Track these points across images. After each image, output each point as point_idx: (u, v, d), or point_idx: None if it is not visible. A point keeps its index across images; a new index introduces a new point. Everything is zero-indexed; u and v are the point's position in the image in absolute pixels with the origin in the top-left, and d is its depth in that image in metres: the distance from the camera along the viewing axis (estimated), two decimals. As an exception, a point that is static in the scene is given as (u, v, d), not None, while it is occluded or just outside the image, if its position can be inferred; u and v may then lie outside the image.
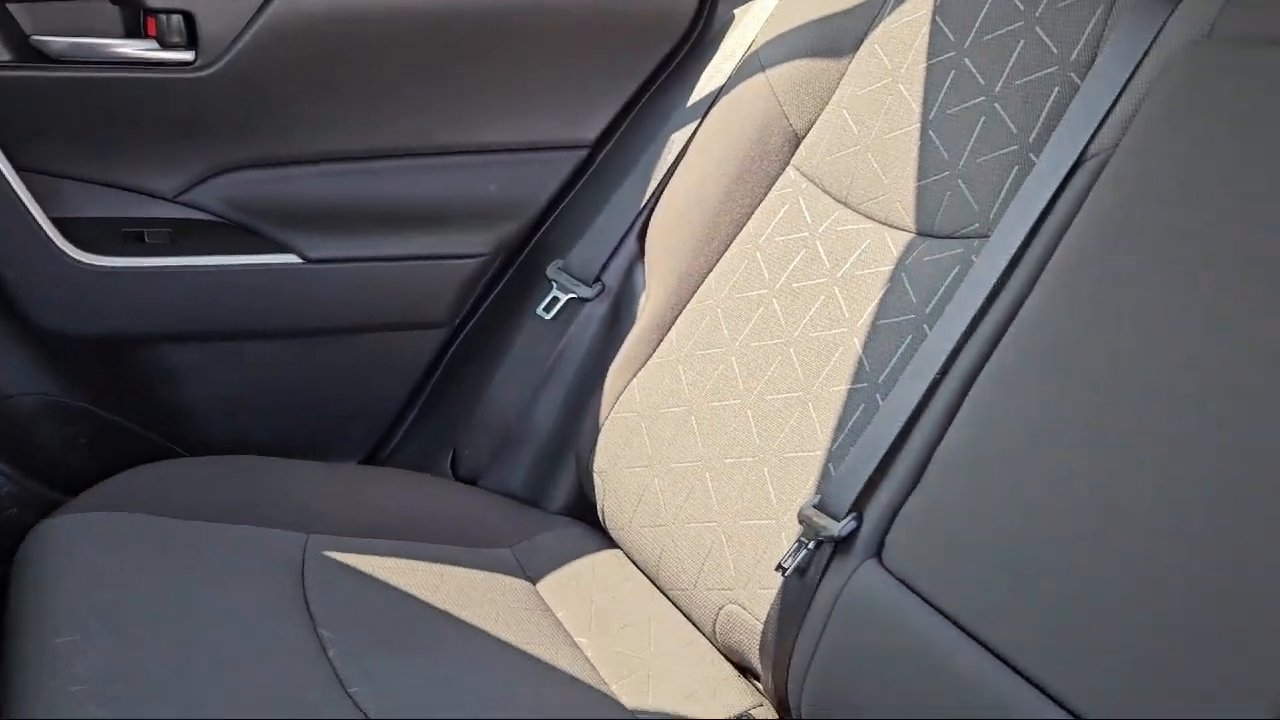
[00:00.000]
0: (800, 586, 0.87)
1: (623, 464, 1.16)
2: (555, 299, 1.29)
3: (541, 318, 1.30)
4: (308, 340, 1.28)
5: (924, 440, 0.83)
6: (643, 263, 1.27)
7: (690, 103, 1.33)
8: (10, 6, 1.10)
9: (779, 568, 0.89)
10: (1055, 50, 0.96)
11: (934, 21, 1.09)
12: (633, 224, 1.30)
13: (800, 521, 0.89)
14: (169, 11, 1.14)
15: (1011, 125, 0.98)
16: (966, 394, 0.82)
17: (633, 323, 1.24)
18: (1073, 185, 0.84)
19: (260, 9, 1.16)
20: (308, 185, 1.26)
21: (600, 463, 1.19)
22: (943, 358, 0.85)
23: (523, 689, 0.93)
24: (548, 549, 1.19)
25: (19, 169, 1.10)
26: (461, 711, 0.86)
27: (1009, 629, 0.70)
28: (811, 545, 0.87)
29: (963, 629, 0.73)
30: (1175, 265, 0.72)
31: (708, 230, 1.21)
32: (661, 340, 1.21)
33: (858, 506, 0.85)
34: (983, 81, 1.02)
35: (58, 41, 1.12)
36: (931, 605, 0.76)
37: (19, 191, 1.10)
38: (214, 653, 0.83)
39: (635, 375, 1.21)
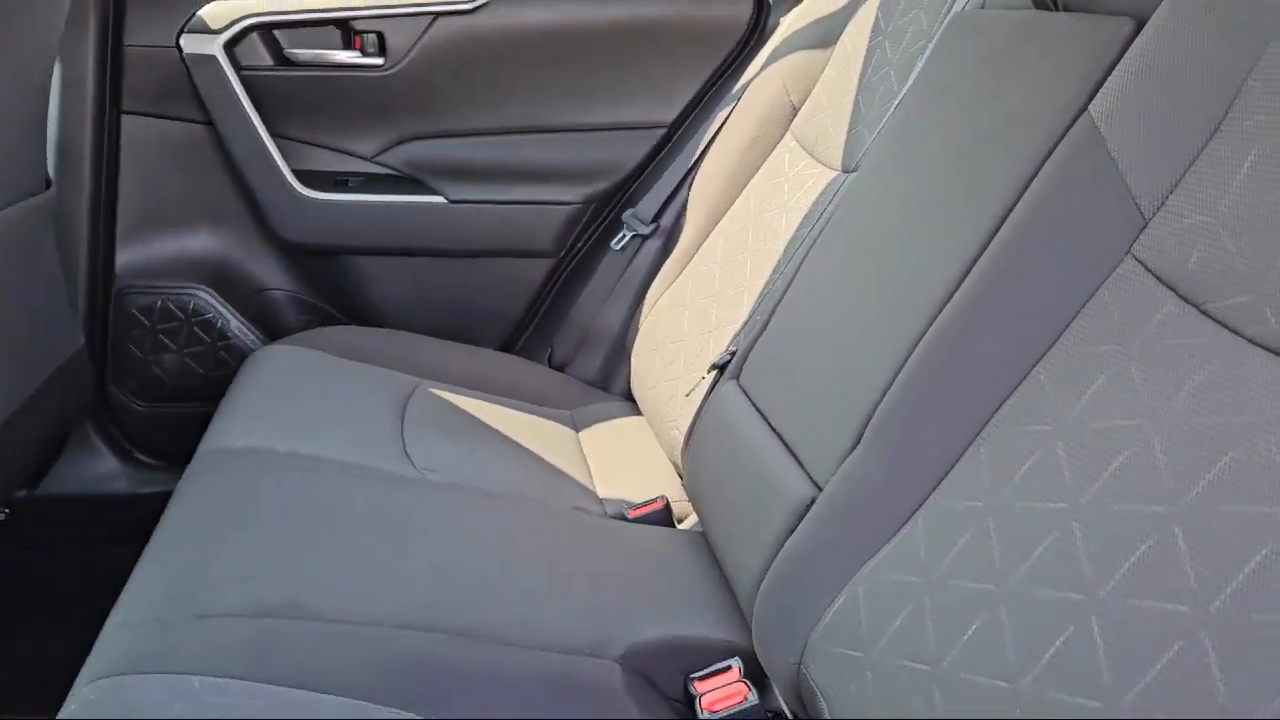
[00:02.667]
0: (701, 405, 1.27)
1: (645, 349, 1.60)
2: (624, 235, 1.75)
3: (614, 250, 1.77)
4: (451, 260, 1.82)
5: (781, 297, 1.21)
6: (685, 208, 1.70)
7: (735, 89, 1.74)
8: (274, 31, 1.71)
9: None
10: (926, 28, 1.30)
11: (875, 14, 1.45)
12: (683, 179, 1.73)
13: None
14: (368, 32, 1.72)
15: (896, 85, 1.32)
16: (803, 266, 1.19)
17: (672, 250, 1.67)
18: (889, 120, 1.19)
19: (425, 30, 1.71)
20: (457, 149, 1.80)
21: (636, 349, 1.63)
22: (808, 244, 1.22)
23: (532, 469, 1.38)
24: (595, 414, 1.63)
25: (273, 136, 1.71)
26: (478, 475, 1.31)
27: (781, 415, 1.08)
28: (708, 375, 1.27)
29: (761, 414, 1.11)
30: (905, 181, 1.07)
31: (726, 182, 1.63)
32: (688, 262, 1.63)
33: (735, 344, 1.25)
34: (890, 55, 1.37)
35: (301, 53, 1.73)
36: (749, 400, 1.14)
37: (272, 150, 1.71)
38: (339, 427, 1.33)
39: (667, 287, 1.64)
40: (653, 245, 1.74)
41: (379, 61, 1.74)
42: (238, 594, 0.92)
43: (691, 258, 1.63)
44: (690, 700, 0.97)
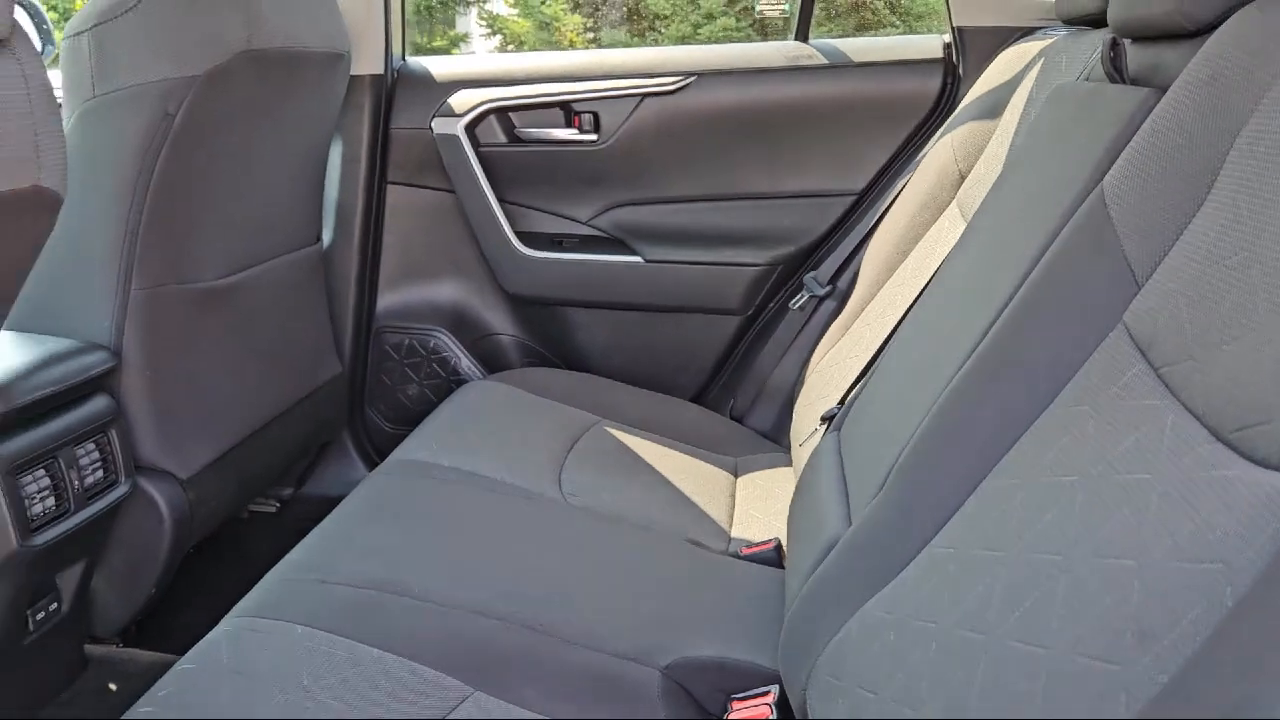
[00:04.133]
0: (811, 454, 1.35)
1: (803, 404, 1.68)
2: (803, 296, 1.85)
3: (794, 310, 1.87)
4: (647, 314, 2.00)
5: (878, 352, 1.27)
6: (859, 271, 1.77)
7: (919, 158, 1.80)
8: (508, 113, 2.00)
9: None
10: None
11: (1031, 86, 1.47)
12: (860, 244, 1.80)
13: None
14: (585, 112, 1.96)
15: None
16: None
17: (842, 311, 1.75)
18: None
19: (633, 109, 1.92)
20: (658, 214, 1.99)
21: (797, 404, 1.72)
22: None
23: (671, 505, 1.50)
24: (758, 462, 1.73)
25: (502, 202, 1.99)
26: (616, 504, 1.46)
27: (850, 461, 1.15)
28: (821, 426, 1.35)
29: (840, 460, 1.19)
30: (969, 246, 1.11)
31: (894, 247, 1.69)
32: (851, 324, 1.70)
33: (843, 399, 1.32)
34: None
35: (529, 132, 2.00)
36: (838, 449, 1.22)
37: (499, 215, 1.98)
38: (504, 451, 1.54)
39: (831, 347, 1.72)
40: (828, 306, 1.83)
41: (594, 137, 1.97)
42: (355, 568, 1.13)
43: (855, 319, 1.70)
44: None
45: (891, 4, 10.32)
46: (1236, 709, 0.50)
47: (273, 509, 2.00)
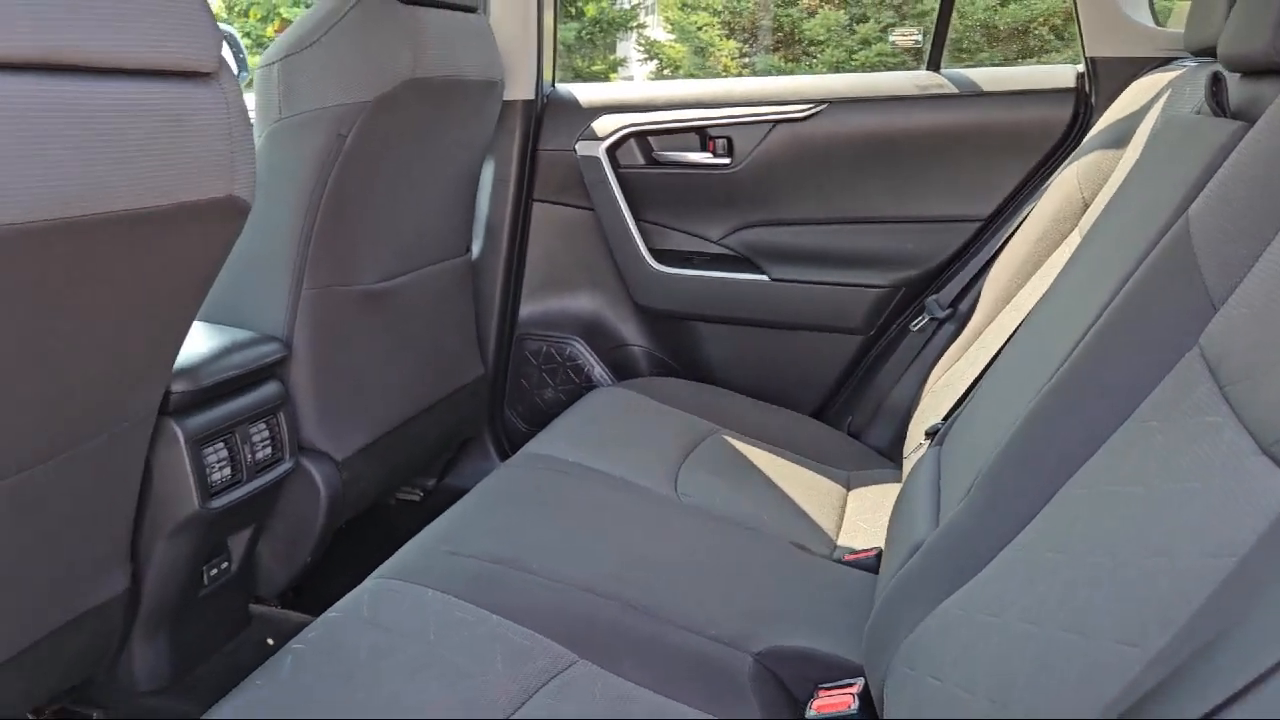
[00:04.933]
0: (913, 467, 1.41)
1: (918, 424, 1.72)
2: (924, 318, 1.89)
3: (914, 331, 1.91)
4: (772, 330, 2.07)
5: (984, 370, 1.32)
6: (979, 296, 1.80)
7: (1046, 186, 1.82)
8: (647, 137, 2.11)
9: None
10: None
11: (1156, 118, 1.48)
12: (981, 269, 1.84)
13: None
14: (720, 137, 2.06)
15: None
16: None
17: (960, 334, 1.79)
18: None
19: (765, 135, 2.01)
20: (786, 235, 2.07)
21: (912, 423, 1.76)
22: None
23: (780, 511, 1.58)
24: (870, 477, 1.78)
25: (637, 220, 2.11)
26: (727, 505, 1.55)
27: (946, 472, 1.20)
28: (925, 442, 1.40)
29: (939, 473, 1.24)
30: (1073, 270, 1.16)
31: (1014, 274, 1.72)
32: (968, 348, 1.74)
33: (947, 415, 1.37)
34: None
35: (666, 155, 2.12)
36: (938, 463, 1.27)
37: (635, 232, 2.10)
38: (625, 452, 1.64)
39: (947, 370, 1.75)
40: (948, 329, 1.86)
41: (727, 161, 2.07)
42: (481, 545, 1.26)
43: (972, 343, 1.73)
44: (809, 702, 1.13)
45: (1056, 29, 10.06)
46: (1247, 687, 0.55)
47: (416, 497, 2.17)
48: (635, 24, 14.37)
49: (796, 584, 1.33)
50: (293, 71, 1.50)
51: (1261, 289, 0.80)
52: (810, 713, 1.10)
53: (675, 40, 13.00)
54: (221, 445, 1.42)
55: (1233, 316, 0.82)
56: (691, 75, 12.75)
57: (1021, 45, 11.26)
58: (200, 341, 1.46)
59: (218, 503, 1.40)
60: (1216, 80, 1.05)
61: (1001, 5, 10.88)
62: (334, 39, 1.49)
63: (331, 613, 1.13)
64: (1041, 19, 10.12)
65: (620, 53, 14.25)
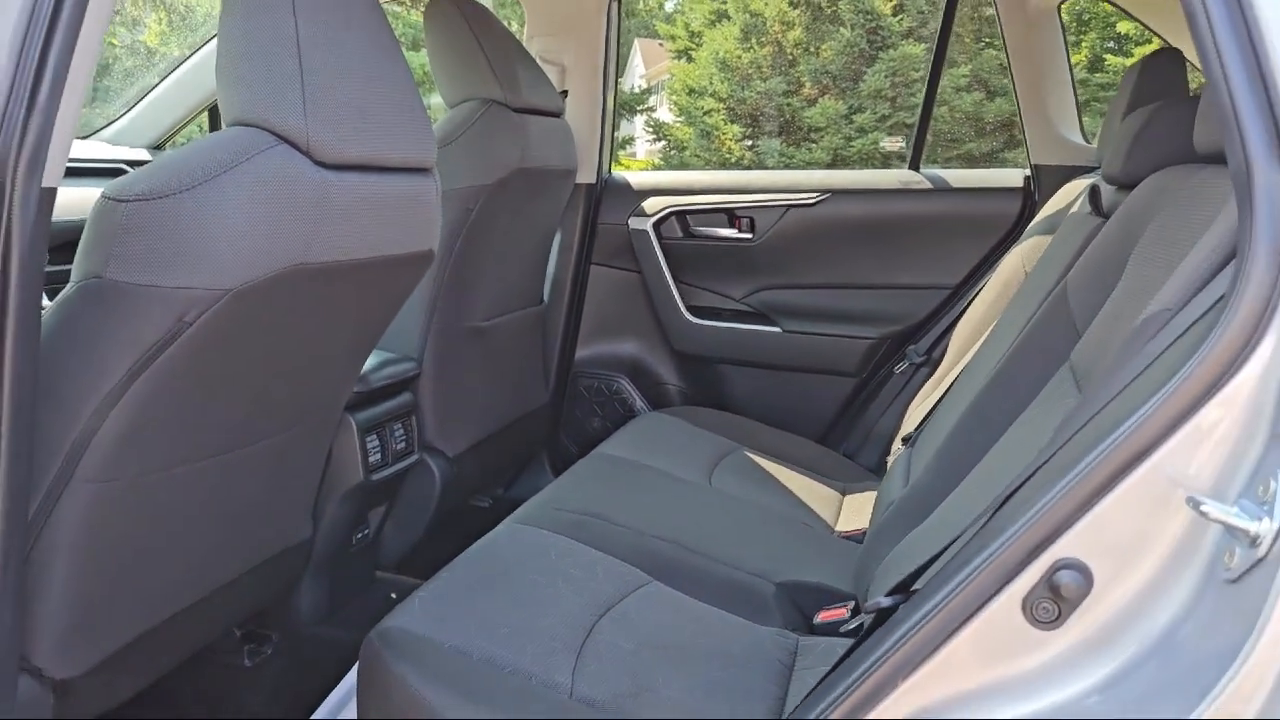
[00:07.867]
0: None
1: (897, 444, 2.21)
2: (904, 364, 2.39)
3: (896, 374, 2.41)
4: (784, 372, 2.57)
5: (949, 385, 1.81)
6: (947, 346, 2.30)
7: (999, 261, 2.33)
8: (685, 215, 2.63)
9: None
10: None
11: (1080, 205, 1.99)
12: (949, 325, 2.34)
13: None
14: (744, 217, 2.58)
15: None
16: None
17: (932, 375, 2.28)
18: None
19: (780, 217, 2.53)
20: (796, 296, 2.57)
21: (894, 445, 2.25)
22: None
23: (793, 502, 2.05)
24: (861, 487, 2.26)
25: (676, 281, 2.62)
26: (753, 494, 2.02)
27: (916, 459, 1.69)
28: (901, 446, 1.89)
29: (910, 460, 1.73)
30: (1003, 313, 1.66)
31: (974, 328, 2.22)
32: (939, 385, 2.23)
33: (918, 426, 1.86)
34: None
35: (701, 229, 2.64)
36: (909, 456, 1.76)
37: (674, 291, 2.62)
38: (671, 456, 2.12)
39: (921, 402, 2.24)
40: (923, 372, 2.36)
41: (750, 236, 2.58)
42: (575, 503, 1.73)
43: (941, 382, 2.22)
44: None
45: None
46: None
47: (486, 504, 2.64)
48: (644, 107, 15.18)
49: (806, 543, 1.80)
50: (441, 159, 2.01)
51: (1105, 319, 1.29)
52: (817, 620, 1.56)
53: (682, 123, 13.74)
54: (375, 436, 1.90)
55: (1088, 338, 1.32)
56: (697, 155, 13.46)
57: (1008, 137, 11.98)
58: (369, 359, 1.95)
59: (373, 478, 1.87)
60: (1094, 190, 1.56)
61: (988, 100, 11.64)
62: (469, 138, 2.00)
63: (478, 543, 1.60)
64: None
65: (625, 131, 15.00)
